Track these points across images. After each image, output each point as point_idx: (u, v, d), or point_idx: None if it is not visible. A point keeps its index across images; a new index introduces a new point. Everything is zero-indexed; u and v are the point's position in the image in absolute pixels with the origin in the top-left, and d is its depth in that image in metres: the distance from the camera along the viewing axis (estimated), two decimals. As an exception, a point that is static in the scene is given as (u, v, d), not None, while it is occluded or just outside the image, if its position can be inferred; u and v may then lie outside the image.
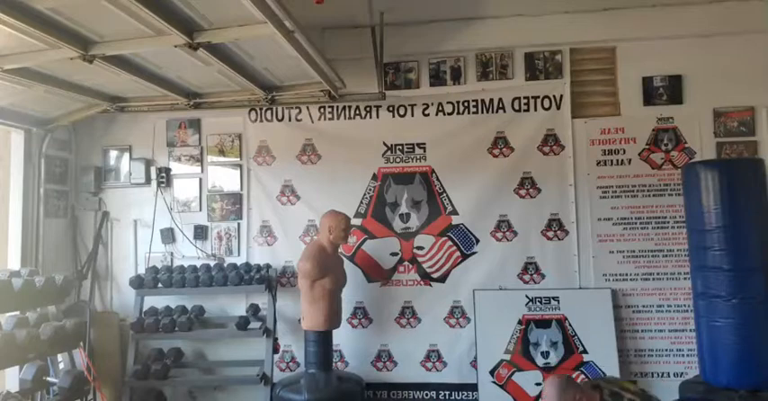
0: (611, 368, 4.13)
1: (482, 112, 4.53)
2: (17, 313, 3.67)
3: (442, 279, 4.49)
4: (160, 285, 4.37)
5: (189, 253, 4.72)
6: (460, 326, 4.45)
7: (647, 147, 4.40)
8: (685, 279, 4.10)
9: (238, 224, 4.70)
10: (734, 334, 3.45)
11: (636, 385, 3.01)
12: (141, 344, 4.43)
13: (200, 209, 4.75)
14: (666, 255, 4.31)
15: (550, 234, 4.43)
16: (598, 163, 4.43)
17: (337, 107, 4.65)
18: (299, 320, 4.14)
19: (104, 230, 4.81)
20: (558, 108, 4.46)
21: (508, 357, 4.25)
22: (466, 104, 4.55)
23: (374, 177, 4.59)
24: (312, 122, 4.68)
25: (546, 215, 4.44)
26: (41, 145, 4.45)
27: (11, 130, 4.33)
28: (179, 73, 3.94)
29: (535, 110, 4.49)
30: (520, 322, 4.30)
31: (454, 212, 4.51)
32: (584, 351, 4.20)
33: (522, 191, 4.47)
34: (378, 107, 4.61)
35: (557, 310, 4.29)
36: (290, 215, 4.64)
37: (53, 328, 3.59)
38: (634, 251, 4.34)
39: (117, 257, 4.80)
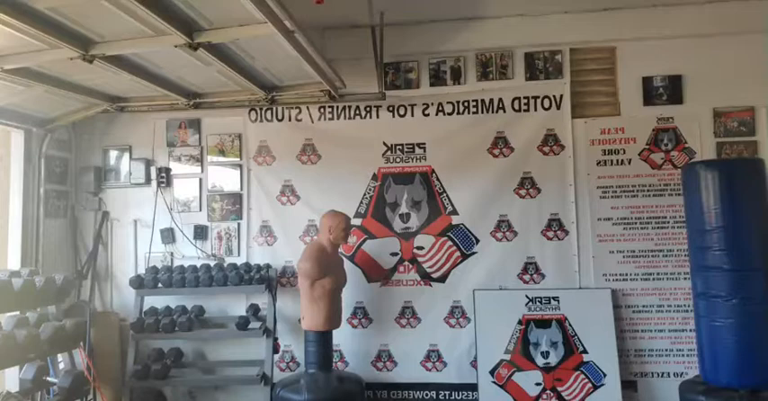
0: (611, 368, 4.13)
1: (482, 112, 4.53)
2: (17, 313, 3.68)
3: (442, 279, 4.49)
4: (160, 285, 4.37)
5: (189, 253, 4.72)
6: (460, 326, 4.45)
7: (647, 147, 4.40)
8: (685, 279, 4.11)
9: (238, 224, 4.70)
10: (734, 334, 3.46)
11: None
12: (141, 344, 4.42)
13: (200, 209, 4.75)
14: (666, 255, 4.31)
15: (550, 234, 4.43)
16: (598, 163, 4.43)
17: (337, 107, 4.65)
18: (299, 320, 4.13)
19: (104, 230, 4.81)
20: (558, 108, 4.46)
21: (508, 357, 4.25)
22: (466, 104, 4.55)
23: (374, 177, 4.59)
24: (312, 122, 4.68)
25: (546, 215, 4.44)
26: (41, 145, 4.45)
27: (11, 130, 4.32)
28: (179, 73, 3.94)
29: (535, 110, 4.49)
30: (520, 322, 4.30)
31: (454, 212, 4.51)
32: (585, 351, 4.20)
33: (522, 191, 4.47)
34: (378, 107, 4.61)
35: (557, 310, 4.29)
36: (290, 215, 4.64)
37: (53, 328, 3.59)
38: (634, 251, 4.34)
39: (117, 257, 4.80)
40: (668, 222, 4.32)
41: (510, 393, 4.19)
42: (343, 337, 4.43)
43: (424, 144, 4.57)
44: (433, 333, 4.46)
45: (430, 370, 4.44)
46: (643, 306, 4.31)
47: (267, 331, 4.28)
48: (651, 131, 4.39)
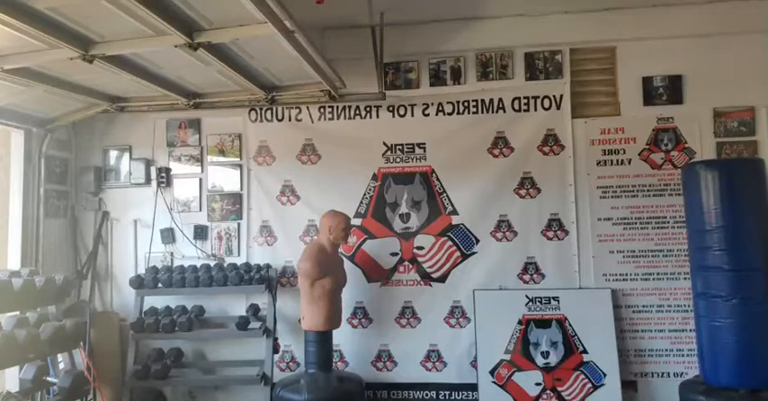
0: (611, 368, 4.13)
1: (482, 112, 4.53)
2: (17, 313, 3.67)
3: (442, 279, 4.49)
4: (160, 285, 4.37)
5: (189, 253, 4.72)
6: (460, 326, 4.45)
7: (647, 147, 4.40)
8: (685, 279, 4.11)
9: (238, 224, 4.70)
10: (734, 334, 3.46)
11: None
12: (141, 344, 4.43)
13: (200, 209, 4.75)
14: (666, 255, 4.31)
15: (550, 234, 4.43)
16: (598, 163, 4.43)
17: (337, 107, 4.65)
18: (299, 320, 4.14)
19: (104, 230, 4.81)
20: (558, 108, 4.46)
21: (508, 357, 4.25)
22: (466, 104, 4.55)
23: (374, 177, 4.59)
24: (312, 122, 4.68)
25: (546, 215, 4.44)
26: (41, 145, 4.45)
27: (11, 130, 4.32)
28: (179, 73, 3.94)
29: (535, 110, 4.49)
30: (520, 322, 4.30)
31: (454, 212, 4.51)
32: (584, 351, 4.20)
33: (522, 191, 4.47)
34: (378, 107, 4.61)
35: (557, 310, 4.29)
36: (290, 215, 4.64)
37: (53, 328, 3.58)
38: (634, 251, 4.34)
39: (117, 257, 4.80)
40: (668, 222, 4.32)
41: (510, 393, 4.19)
42: (343, 337, 4.43)
43: (424, 144, 4.57)
44: (433, 333, 4.46)
45: (430, 370, 4.44)
46: (643, 306, 4.31)
47: (267, 331, 4.28)
48: (651, 131, 4.39)
